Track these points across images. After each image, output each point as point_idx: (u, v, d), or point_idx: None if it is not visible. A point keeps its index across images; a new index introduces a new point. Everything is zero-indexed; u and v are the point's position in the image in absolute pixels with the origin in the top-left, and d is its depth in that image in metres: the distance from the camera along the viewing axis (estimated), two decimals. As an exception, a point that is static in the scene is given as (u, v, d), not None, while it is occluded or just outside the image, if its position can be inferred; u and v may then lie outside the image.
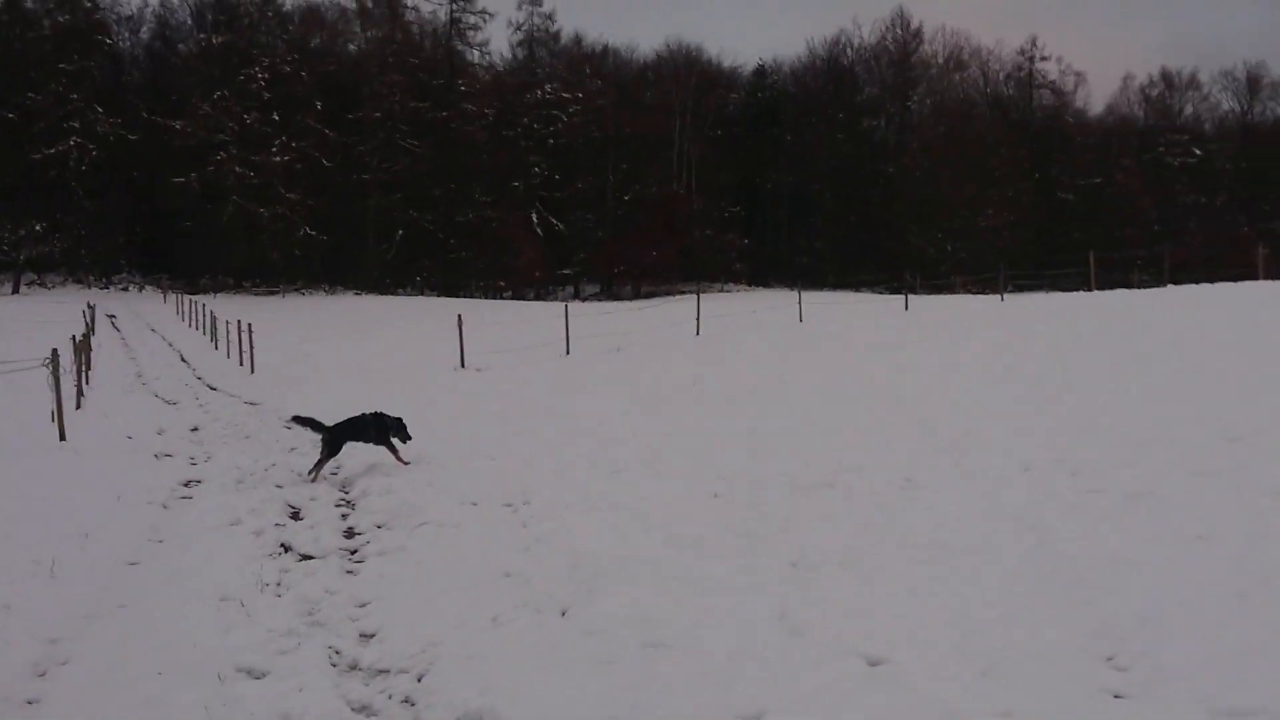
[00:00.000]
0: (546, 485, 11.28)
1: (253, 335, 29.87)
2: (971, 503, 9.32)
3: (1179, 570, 6.98)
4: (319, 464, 12.64)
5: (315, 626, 7.15)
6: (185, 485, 12.61)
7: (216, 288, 71.42)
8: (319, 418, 13.17)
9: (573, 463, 12.56)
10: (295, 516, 10.87)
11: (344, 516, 10.85)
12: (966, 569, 7.44)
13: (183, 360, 33.38)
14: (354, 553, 9.41)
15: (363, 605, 7.70)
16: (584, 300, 75.16)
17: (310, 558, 9.13)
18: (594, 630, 6.64)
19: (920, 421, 13.48)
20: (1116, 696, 5.22)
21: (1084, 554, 7.53)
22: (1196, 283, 38.30)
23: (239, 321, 32.51)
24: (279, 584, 8.10)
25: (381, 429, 13.15)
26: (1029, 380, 16.11)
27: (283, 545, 9.54)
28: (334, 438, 12.81)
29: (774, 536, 8.68)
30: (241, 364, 30.34)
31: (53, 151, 69.71)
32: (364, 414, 13.26)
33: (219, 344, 36.58)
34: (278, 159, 71.21)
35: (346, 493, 11.97)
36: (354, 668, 6.46)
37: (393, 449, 13.07)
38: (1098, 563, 7.30)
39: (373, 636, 7.01)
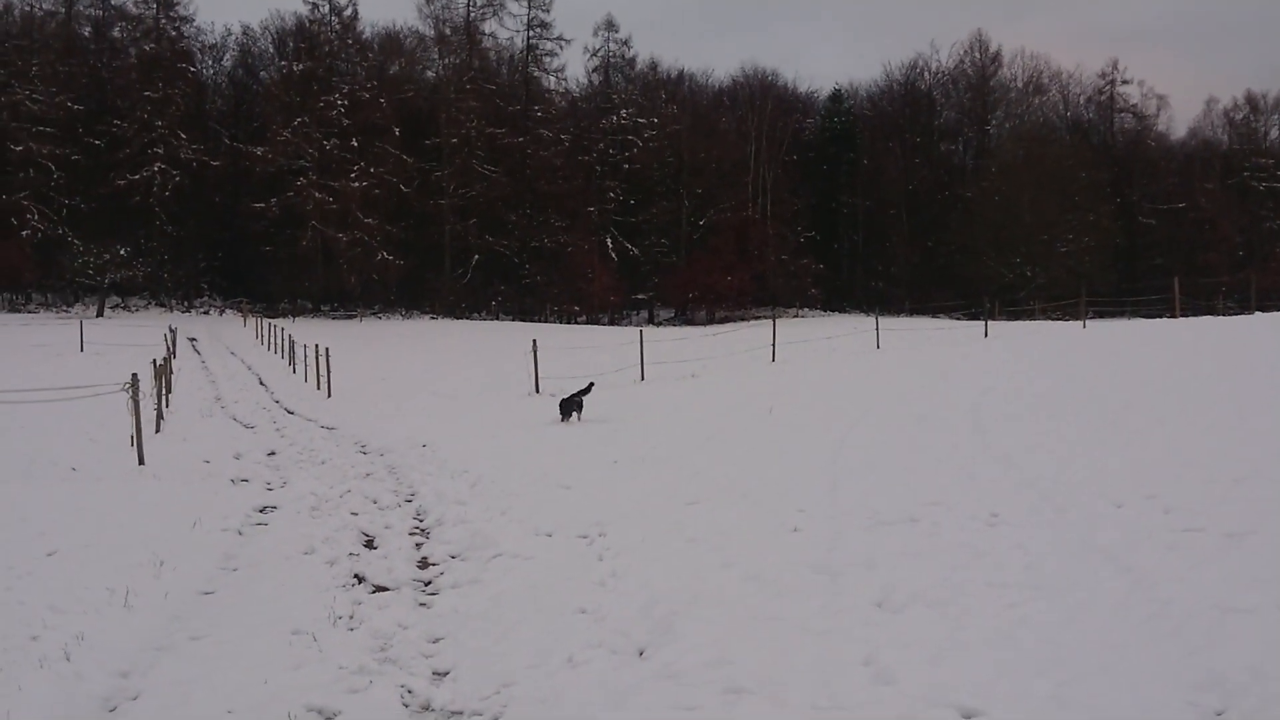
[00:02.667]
0: (622, 516, 11.11)
1: (330, 359, 30.07)
2: (1061, 541, 8.98)
3: (1290, 618, 6.64)
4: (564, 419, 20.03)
5: (387, 664, 7.02)
6: (261, 511, 12.62)
7: (295, 312, 72.36)
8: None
9: (649, 493, 12.37)
10: (369, 545, 10.81)
11: (418, 546, 10.76)
12: (1060, 612, 7.13)
13: (261, 384, 33.73)
14: (428, 584, 9.30)
15: (435, 641, 7.56)
16: (658, 325, 75.07)
17: (384, 589, 9.03)
18: (671, 674, 6.43)
19: (1004, 455, 13.12)
20: (1228, 757, 4.92)
21: (1184, 597, 7.18)
22: (1281, 309, 37.42)
23: (316, 345, 32.78)
24: (351, 616, 8.00)
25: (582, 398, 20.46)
26: (1115, 411, 15.66)
27: (356, 576, 9.45)
28: (567, 402, 20.31)
29: (857, 574, 8.41)
30: (319, 388, 30.56)
31: (137, 177, 71.25)
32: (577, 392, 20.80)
33: (296, 368, 36.92)
34: (356, 184, 72.07)
35: (421, 521, 11.89)
36: (426, 708, 6.31)
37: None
38: (1200, 608, 6.95)
39: (446, 675, 6.86)
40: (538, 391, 27.22)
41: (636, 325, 62.12)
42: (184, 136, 73.50)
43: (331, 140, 73.14)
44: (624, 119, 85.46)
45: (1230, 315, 38.87)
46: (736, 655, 6.61)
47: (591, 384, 21.80)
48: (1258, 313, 37.33)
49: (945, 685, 5.93)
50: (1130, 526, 9.24)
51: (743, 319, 71.74)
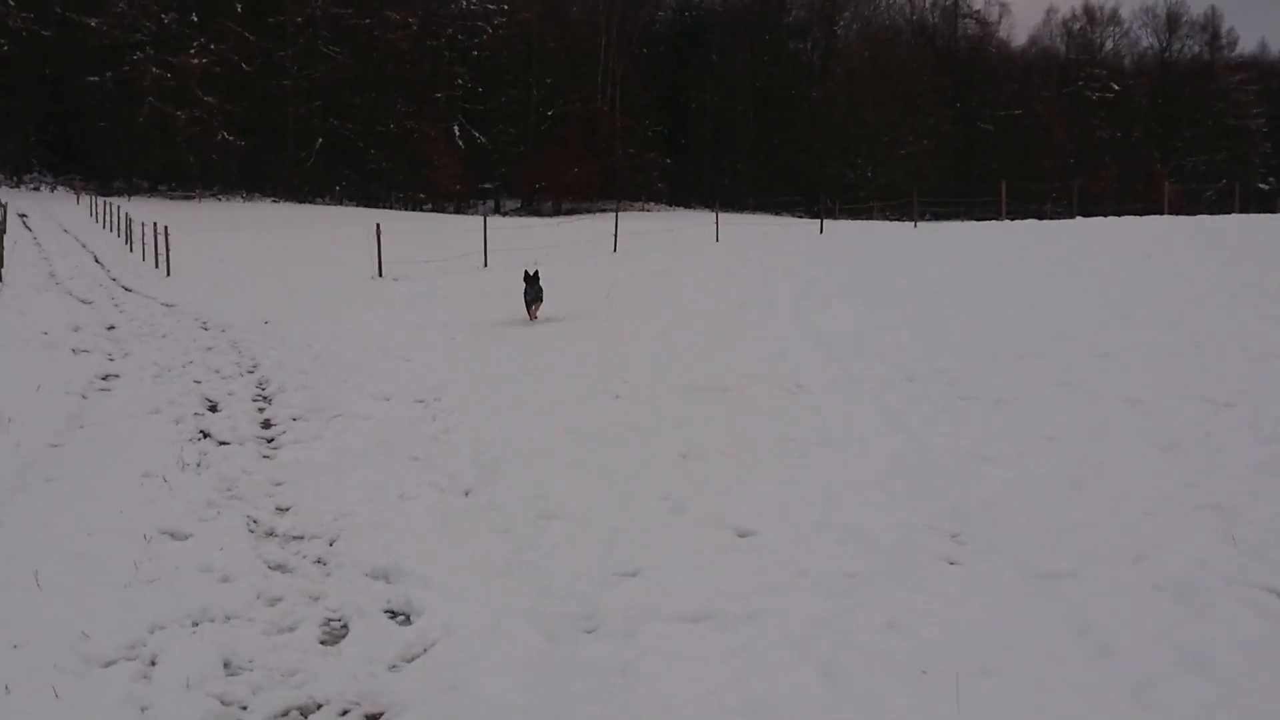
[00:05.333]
0: (457, 384, 11.83)
1: (169, 238, 29.85)
2: (853, 406, 10.01)
3: (1026, 464, 7.72)
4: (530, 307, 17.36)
5: (234, 500, 7.66)
6: (104, 379, 12.92)
7: (131, 191, 70.14)
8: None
9: (484, 364, 13.11)
10: (214, 409, 11.28)
11: (261, 410, 11.30)
12: (838, 461, 8.13)
13: (97, 262, 33.23)
14: (270, 440, 9.90)
15: (278, 484, 8.21)
16: (504, 215, 75.10)
17: (228, 444, 9.61)
18: (493, 506, 7.25)
19: (816, 336, 14.16)
20: (951, 563, 5.92)
21: (945, 449, 8.25)
22: (1105, 216, 39.46)
23: (155, 224, 32.41)
24: (199, 464, 8.58)
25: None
26: (924, 300, 16.86)
27: (202, 432, 9.99)
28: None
29: (667, 431, 9.32)
30: (157, 266, 30.36)
31: (-39, 46, 67.93)
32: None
33: (134, 247, 36.38)
34: (195, 61, 69.89)
35: (263, 389, 12.39)
36: (270, 534, 7.00)
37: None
38: (957, 456, 8.02)
39: (288, 509, 7.54)
40: (381, 275, 27.54)
41: (483, 215, 62.17)
42: (11, 3, 70.20)
43: (170, 13, 70.58)
44: (473, 4, 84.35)
45: (1055, 219, 40.72)
46: (551, 492, 7.45)
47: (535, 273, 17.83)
48: (1079, 218, 39.22)
49: (728, 513, 6.86)
50: (915, 395, 10.32)
51: (589, 211, 72.24)
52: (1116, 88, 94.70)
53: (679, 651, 4.84)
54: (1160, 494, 6.76)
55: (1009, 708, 4.20)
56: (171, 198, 70.44)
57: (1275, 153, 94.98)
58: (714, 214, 40.14)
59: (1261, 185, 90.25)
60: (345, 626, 5.41)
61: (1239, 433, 8.11)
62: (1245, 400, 9.07)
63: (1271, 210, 44.39)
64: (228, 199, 72.41)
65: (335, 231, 45.76)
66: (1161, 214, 39.25)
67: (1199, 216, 36.75)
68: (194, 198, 70.95)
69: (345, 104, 76.83)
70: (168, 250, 29.60)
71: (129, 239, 37.95)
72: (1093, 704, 4.21)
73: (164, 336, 16.99)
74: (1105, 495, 6.86)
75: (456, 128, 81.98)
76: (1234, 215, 37.26)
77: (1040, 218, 45.09)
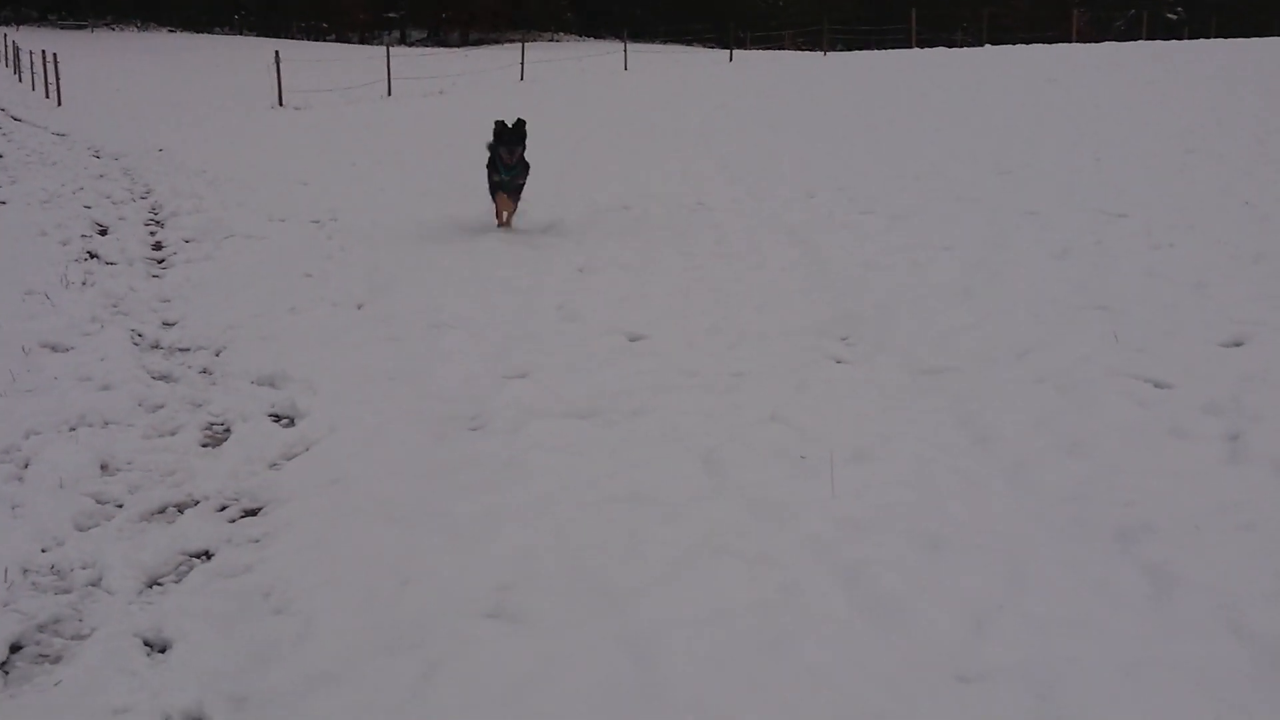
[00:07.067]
0: (354, 207, 11.61)
1: (59, 68, 28.71)
2: (755, 223, 9.99)
3: (921, 273, 7.78)
4: None
5: (118, 315, 7.47)
6: (-13, 205, 12.50)
7: (19, 20, 67.11)
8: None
9: (382, 188, 12.87)
10: (103, 233, 10.97)
11: (152, 233, 11.01)
12: (734, 272, 8.12)
13: (-18, 90, 31.96)
14: (161, 261, 9.66)
15: (166, 300, 8.03)
16: (410, 45, 73.04)
17: (115, 264, 9.35)
18: (384, 317, 7.15)
19: (721, 159, 14.07)
20: (838, 362, 5.96)
21: (842, 260, 8.28)
22: (1015, 44, 39.38)
23: (44, 52, 31.14)
24: (84, 283, 8.34)
25: None
26: (830, 126, 16.79)
27: (89, 253, 9.70)
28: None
29: (566, 246, 9.25)
30: (48, 96, 29.26)
31: None
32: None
33: (23, 77, 35.00)
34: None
35: (156, 214, 12.06)
36: (155, 347, 6.84)
37: None
38: (853, 267, 8.05)
39: (174, 324, 7.37)
40: (281, 104, 26.81)
41: (387, 45, 60.49)
42: None
43: None
44: None
45: (965, 48, 40.57)
46: (445, 305, 7.37)
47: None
48: (989, 46, 39.14)
49: (622, 321, 6.84)
50: (816, 211, 10.33)
51: (497, 42, 70.47)
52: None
53: (565, 446, 4.84)
54: (1049, 298, 6.85)
55: (884, 489, 4.26)
56: (63, 26, 67.41)
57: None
58: (622, 44, 39.44)
59: (1170, 15, 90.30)
60: (228, 430, 5.33)
61: (1131, 240, 8.23)
62: (1139, 211, 9.19)
63: (1179, 38, 44.49)
64: (121, 28, 69.44)
65: (235, 61, 44.30)
66: (1070, 42, 39.24)
67: (1106, 43, 36.80)
68: (86, 27, 67.97)
69: (243, -73, 73.63)
70: (58, 80, 28.51)
71: (18, 69, 36.48)
72: (968, 485, 4.29)
73: (54, 164, 16.41)
74: (995, 299, 6.94)
75: (360, -48, 78.99)
76: (1141, 42, 37.37)
77: (950, 46, 44.86)
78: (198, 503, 4.50)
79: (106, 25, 69.31)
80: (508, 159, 9.78)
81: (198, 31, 69.99)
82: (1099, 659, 3.09)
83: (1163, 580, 3.48)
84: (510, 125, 9.86)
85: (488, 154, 10.01)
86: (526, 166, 10.06)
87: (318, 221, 10.89)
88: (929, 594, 3.48)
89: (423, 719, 3.01)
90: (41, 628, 3.56)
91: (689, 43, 67.55)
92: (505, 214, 10.17)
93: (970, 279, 7.48)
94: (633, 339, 6.48)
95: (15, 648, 3.47)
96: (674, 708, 2.98)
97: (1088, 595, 3.44)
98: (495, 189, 10.09)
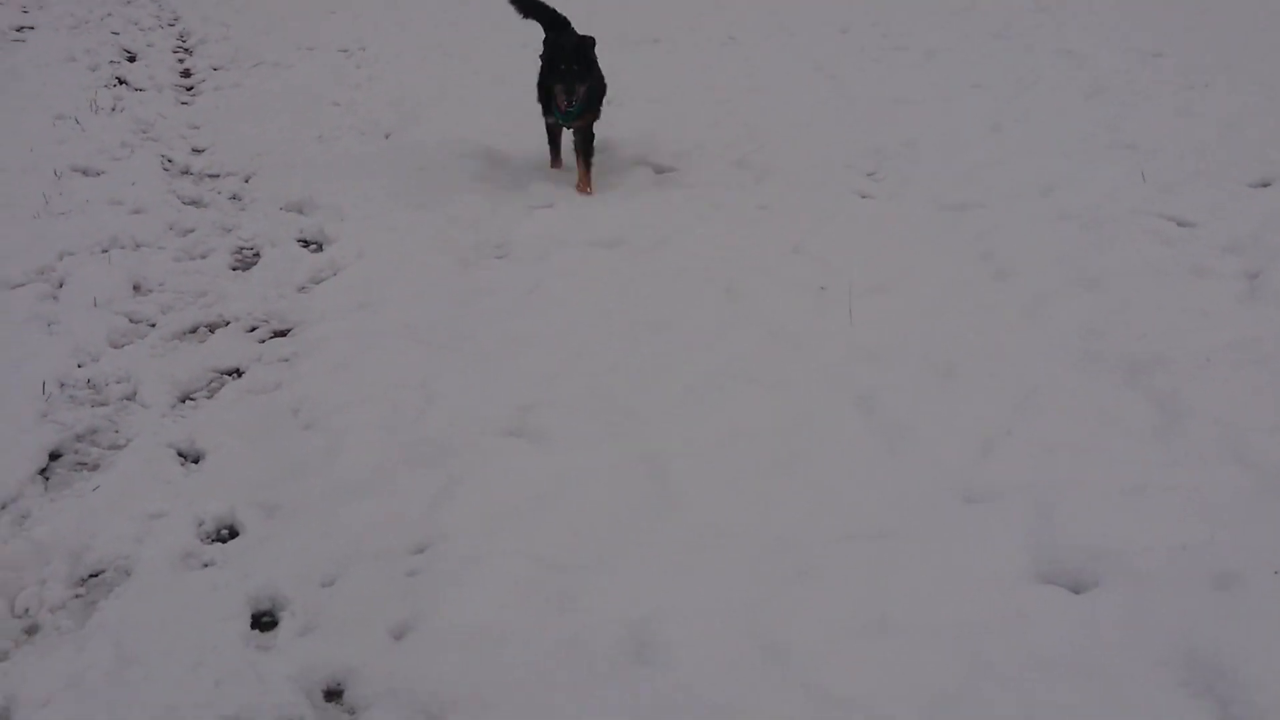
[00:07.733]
0: (383, 35, 11.48)
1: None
2: (785, 57, 9.83)
3: (950, 109, 7.68)
4: None
5: (148, 140, 7.51)
6: (17, 30, 12.42)
7: None
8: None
9: (413, 18, 12.69)
10: (131, 59, 10.92)
11: (180, 60, 10.97)
12: (763, 105, 8.04)
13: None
14: (190, 88, 9.65)
15: (195, 127, 8.04)
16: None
17: (144, 90, 9.34)
18: (413, 147, 7.16)
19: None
20: (863, 196, 5.96)
21: (871, 95, 8.18)
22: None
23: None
24: (113, 108, 8.35)
25: None
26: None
27: (118, 79, 9.69)
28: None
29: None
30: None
31: None
32: None
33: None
34: None
35: (184, 41, 11.99)
36: (185, 172, 6.90)
37: None
38: (882, 103, 7.95)
39: (203, 150, 7.41)
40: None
41: None
42: None
43: None
44: None
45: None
46: (471, 135, 7.34)
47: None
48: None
49: (650, 153, 6.83)
50: (848, 46, 10.15)
51: None
52: None
53: (589, 273, 4.90)
54: (1078, 135, 6.77)
55: (902, 320, 4.31)
56: None
57: None
58: None
59: None
60: (257, 255, 5.41)
61: (1165, 81, 8.07)
62: (1177, 51, 9.00)
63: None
64: None
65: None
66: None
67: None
68: None
69: None
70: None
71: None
72: (985, 317, 4.33)
73: (80, -11, 16.22)
74: (1024, 137, 6.87)
75: None
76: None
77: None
78: (228, 323, 4.60)
79: None
80: (564, 102, 6.19)
81: None
82: (1102, 482, 3.17)
83: (1171, 410, 3.54)
84: (569, 48, 6.42)
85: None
86: (601, 88, 6.60)
87: (346, 50, 10.79)
88: (940, 419, 3.56)
89: (447, 528, 3.14)
90: (79, 438, 3.70)
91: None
92: (581, 171, 6.37)
93: (1000, 116, 7.38)
94: (659, 170, 6.49)
95: (55, 455, 3.62)
96: (686, 519, 3.09)
97: (1096, 423, 3.51)
98: (553, 131, 6.74)
